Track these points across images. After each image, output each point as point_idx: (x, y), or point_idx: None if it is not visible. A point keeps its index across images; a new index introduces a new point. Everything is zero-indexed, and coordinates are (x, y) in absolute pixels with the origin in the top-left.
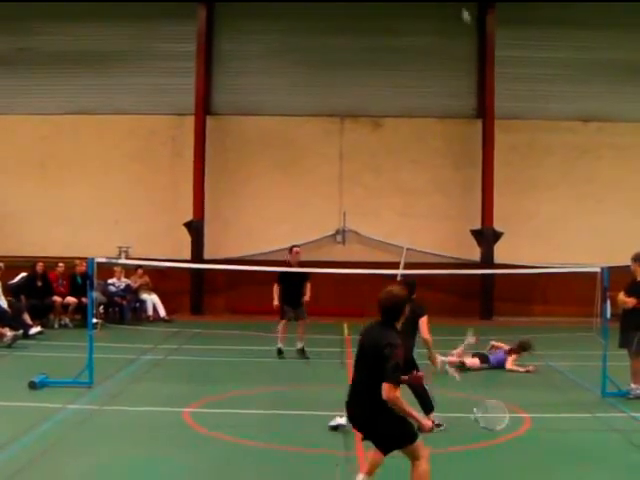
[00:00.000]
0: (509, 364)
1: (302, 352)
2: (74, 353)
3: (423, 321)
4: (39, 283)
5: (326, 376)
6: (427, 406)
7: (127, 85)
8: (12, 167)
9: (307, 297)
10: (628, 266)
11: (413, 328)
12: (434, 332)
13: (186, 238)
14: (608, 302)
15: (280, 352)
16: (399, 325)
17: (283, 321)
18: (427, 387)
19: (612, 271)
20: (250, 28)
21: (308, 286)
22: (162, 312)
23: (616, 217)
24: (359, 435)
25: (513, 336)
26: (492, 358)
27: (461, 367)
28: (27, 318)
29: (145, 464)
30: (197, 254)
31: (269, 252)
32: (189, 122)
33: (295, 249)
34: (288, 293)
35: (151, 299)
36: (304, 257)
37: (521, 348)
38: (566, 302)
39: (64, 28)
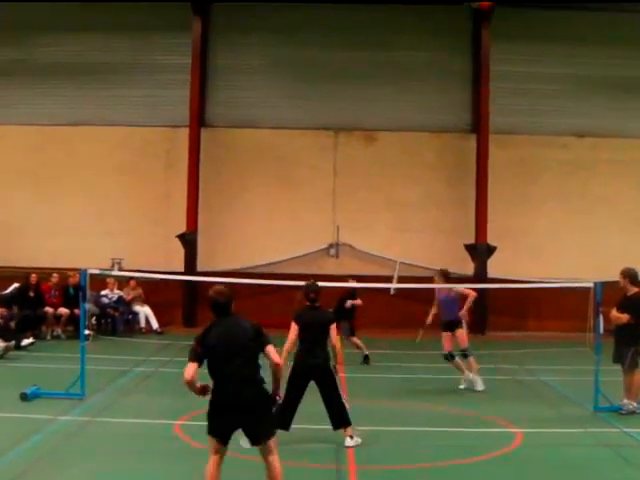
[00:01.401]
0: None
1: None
2: (66, 365)
3: (334, 328)
4: (31, 294)
5: (317, 389)
6: (336, 421)
7: (121, 97)
8: (5, 178)
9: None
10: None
11: (325, 336)
12: (429, 347)
13: (179, 250)
14: (601, 317)
15: None
16: None
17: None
18: (344, 401)
19: (605, 286)
20: (245, 41)
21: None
22: (155, 324)
23: (609, 232)
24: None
25: (506, 351)
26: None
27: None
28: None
29: (136, 476)
30: (190, 266)
31: (263, 265)
32: (183, 134)
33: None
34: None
35: (144, 311)
36: (297, 270)
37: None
38: (559, 317)
39: (59, 40)
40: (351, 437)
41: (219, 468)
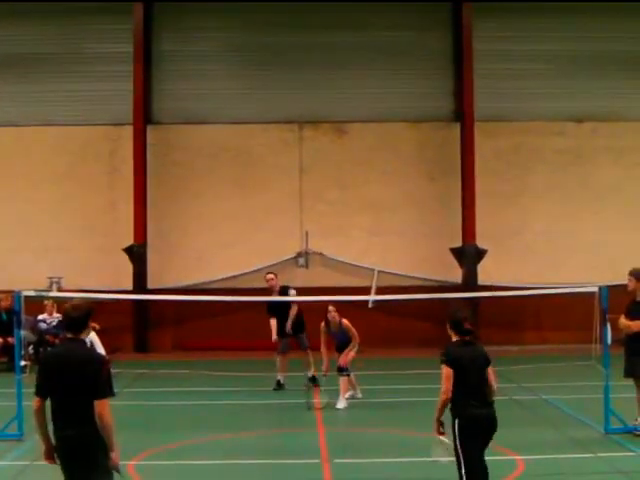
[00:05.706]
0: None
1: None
2: (0, 402)
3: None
4: None
5: (288, 419)
6: None
7: (55, 92)
8: None
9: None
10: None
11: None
12: (408, 366)
13: (126, 265)
14: (608, 326)
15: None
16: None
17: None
18: None
19: (612, 290)
20: (194, 25)
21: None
22: (101, 351)
23: (616, 229)
24: None
25: (502, 368)
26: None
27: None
28: None
29: None
30: (139, 283)
31: (221, 279)
32: (127, 133)
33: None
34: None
35: (88, 337)
36: (261, 284)
37: None
38: (561, 327)
39: None
40: None
41: None
